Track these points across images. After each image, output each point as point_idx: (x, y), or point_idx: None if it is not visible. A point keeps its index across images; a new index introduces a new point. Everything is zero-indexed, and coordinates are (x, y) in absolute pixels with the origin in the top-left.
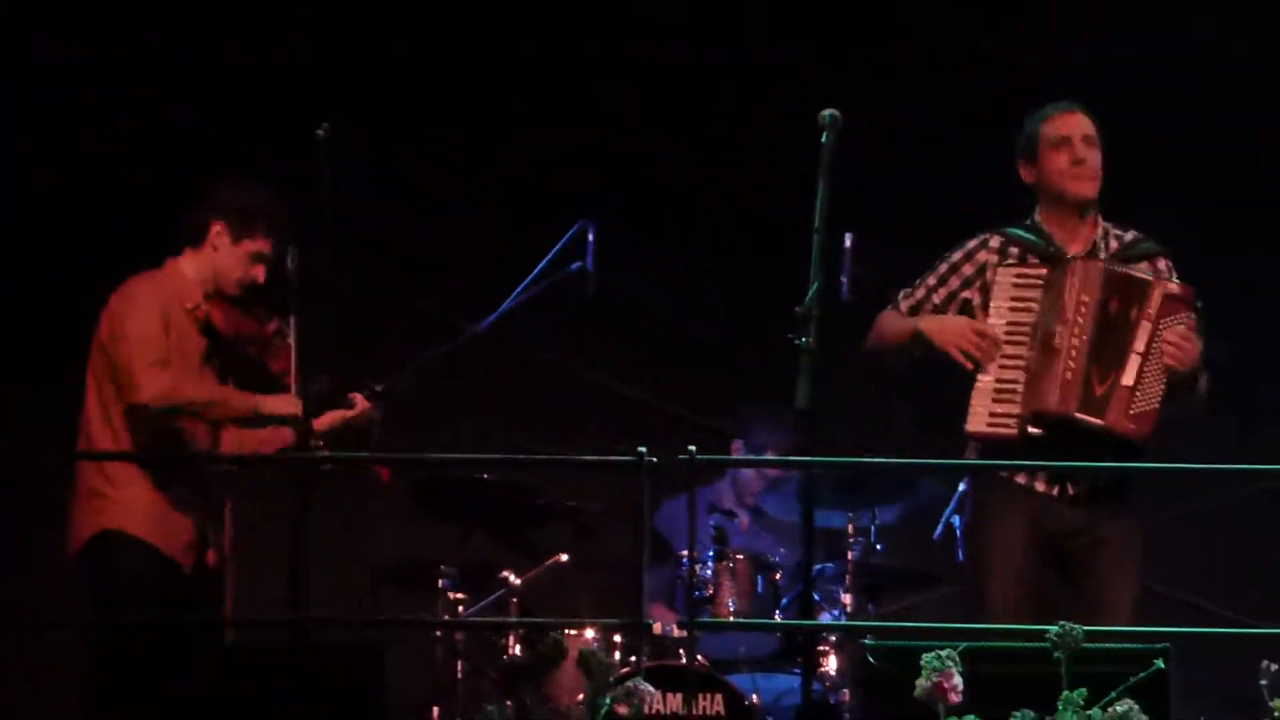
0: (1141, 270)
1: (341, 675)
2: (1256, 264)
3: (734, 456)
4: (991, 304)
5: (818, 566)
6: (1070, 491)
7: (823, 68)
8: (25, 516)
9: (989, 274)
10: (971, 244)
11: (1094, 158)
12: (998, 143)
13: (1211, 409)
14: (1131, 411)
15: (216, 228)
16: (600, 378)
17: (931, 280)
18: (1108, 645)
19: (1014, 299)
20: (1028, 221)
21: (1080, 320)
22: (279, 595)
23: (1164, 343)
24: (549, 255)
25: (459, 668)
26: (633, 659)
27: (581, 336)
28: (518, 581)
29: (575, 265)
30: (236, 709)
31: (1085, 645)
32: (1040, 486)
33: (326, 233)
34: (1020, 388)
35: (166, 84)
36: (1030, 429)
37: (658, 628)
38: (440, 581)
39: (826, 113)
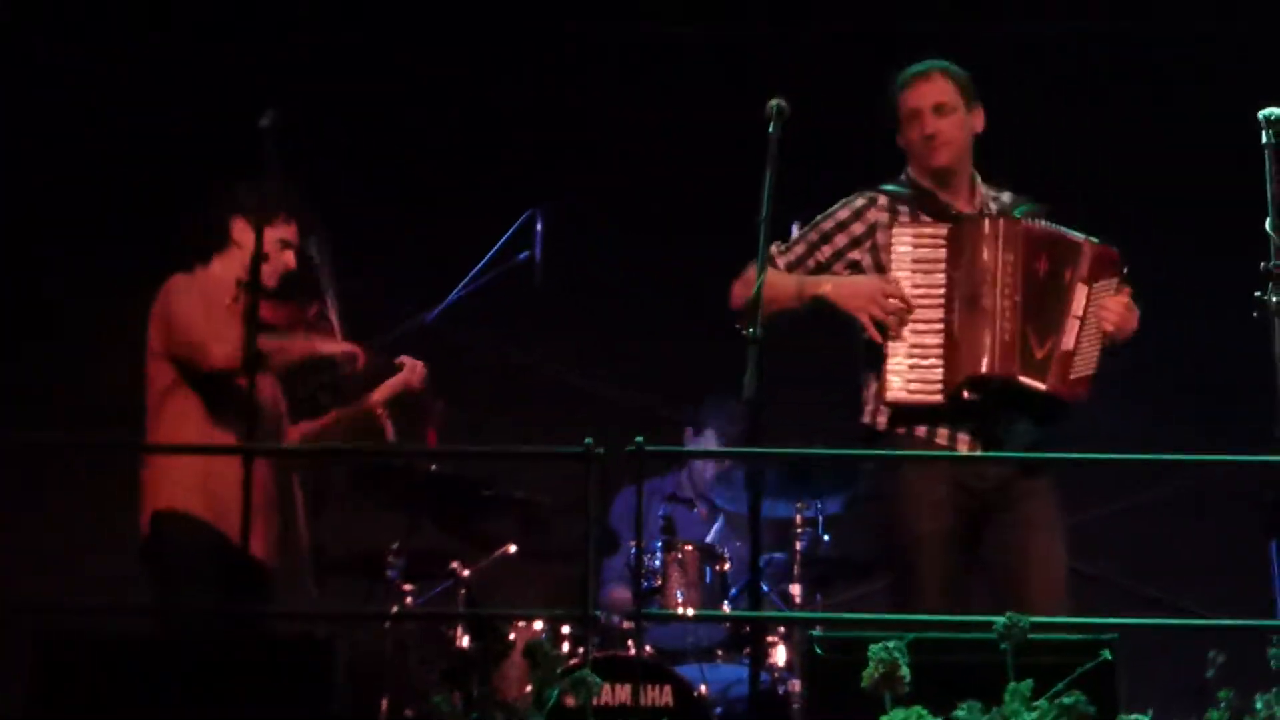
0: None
1: (291, 667)
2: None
3: (683, 447)
4: (892, 265)
5: (766, 557)
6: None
7: (771, 55)
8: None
9: (879, 235)
10: (859, 202)
11: (946, 126)
12: None
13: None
14: (1071, 376)
15: (239, 225)
16: (549, 367)
17: (814, 236)
18: (1055, 636)
19: (916, 260)
20: (903, 178)
21: (1009, 280)
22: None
23: (1101, 308)
24: (497, 245)
25: (407, 659)
26: (580, 650)
27: (529, 326)
28: (466, 572)
29: (524, 254)
30: (182, 701)
31: (1032, 636)
32: (963, 448)
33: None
34: (940, 351)
35: (163, 83)
36: (965, 393)
37: (604, 617)
38: (388, 572)
39: (774, 102)
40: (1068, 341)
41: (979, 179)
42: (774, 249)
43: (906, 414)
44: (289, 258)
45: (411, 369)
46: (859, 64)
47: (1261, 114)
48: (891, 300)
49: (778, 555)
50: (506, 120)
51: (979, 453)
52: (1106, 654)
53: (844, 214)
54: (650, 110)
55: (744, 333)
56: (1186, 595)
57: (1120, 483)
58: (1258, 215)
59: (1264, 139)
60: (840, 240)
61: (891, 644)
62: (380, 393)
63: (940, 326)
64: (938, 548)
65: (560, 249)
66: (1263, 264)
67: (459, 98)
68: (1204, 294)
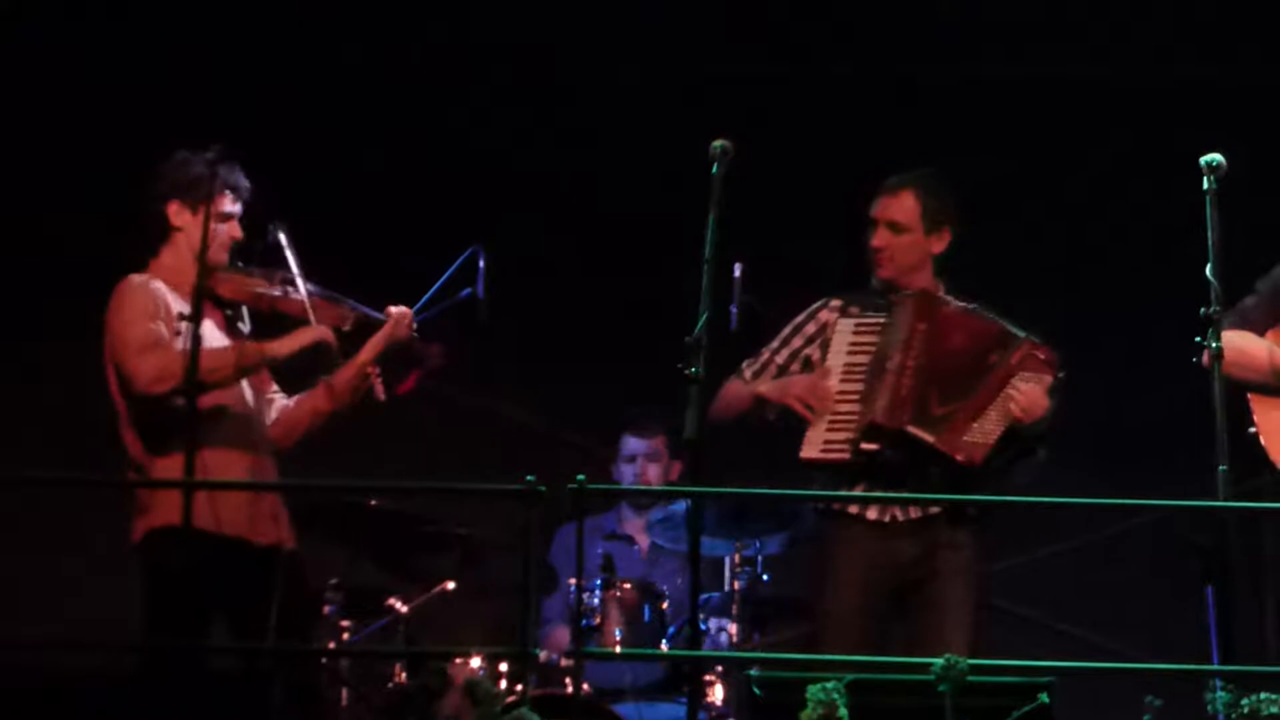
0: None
1: (225, 704)
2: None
3: (624, 486)
4: (830, 351)
5: (704, 596)
6: (900, 518)
7: (716, 95)
8: None
9: (829, 331)
10: (814, 305)
11: (895, 244)
12: (891, 171)
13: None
14: (965, 438)
15: (173, 208)
16: (491, 404)
17: (775, 343)
18: (992, 679)
19: (851, 344)
20: (871, 282)
21: (917, 345)
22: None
23: (1015, 390)
24: (439, 281)
25: (344, 695)
26: (518, 688)
27: (472, 363)
28: (404, 609)
29: (466, 291)
30: None
31: (970, 679)
32: (872, 515)
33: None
34: (854, 418)
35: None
36: (863, 445)
37: (544, 656)
38: (325, 608)
39: (718, 143)
40: (972, 409)
41: (943, 287)
42: (745, 364)
43: (821, 470)
44: (232, 228)
45: (397, 319)
46: (803, 104)
47: (1203, 160)
48: (819, 389)
49: (716, 594)
50: (450, 156)
51: (924, 494)
52: (1043, 697)
53: (800, 318)
54: (594, 150)
55: (686, 372)
56: (1123, 639)
57: (1058, 526)
58: (1199, 260)
59: (1205, 184)
60: (796, 342)
61: (830, 685)
62: (367, 350)
63: (858, 396)
64: (852, 622)
65: (503, 286)
66: (1203, 309)
67: (403, 133)
68: (1144, 339)
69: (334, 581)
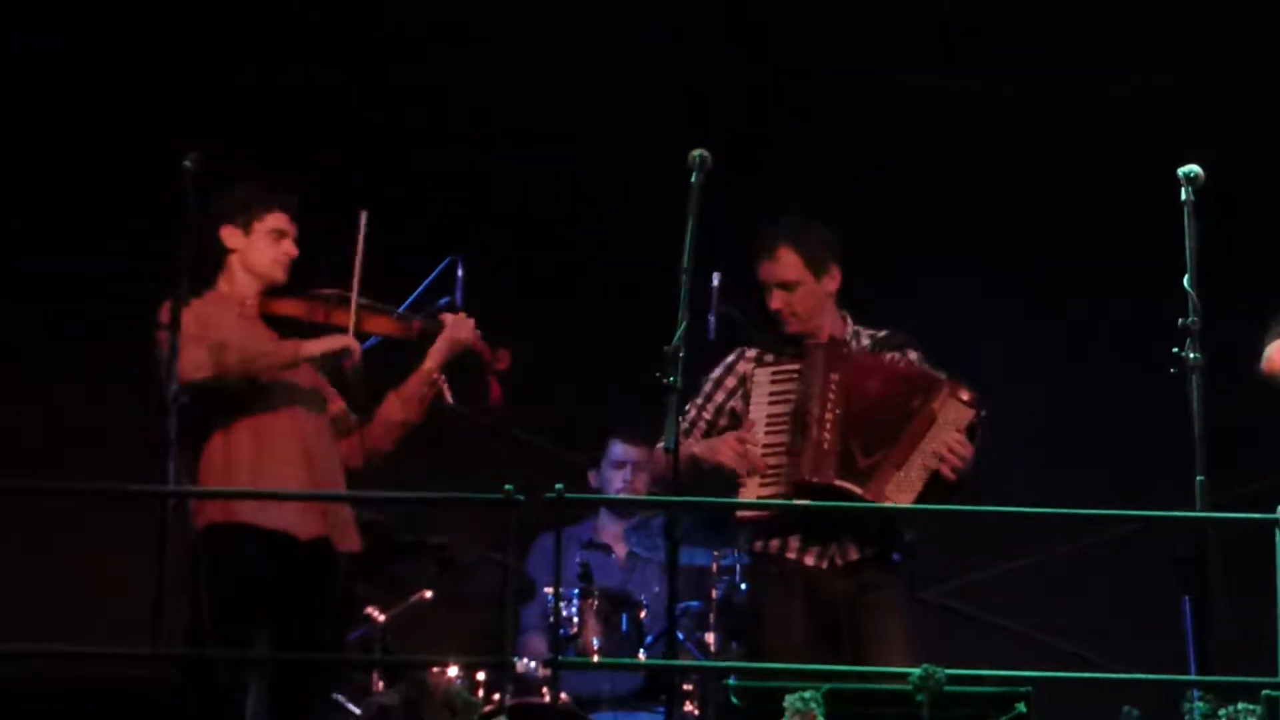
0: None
1: (202, 713)
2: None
3: (602, 495)
4: (751, 403)
5: (682, 605)
6: (839, 562)
7: (695, 105)
8: None
9: (749, 383)
10: (730, 358)
11: (793, 300)
12: (864, 181)
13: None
14: (889, 488)
15: (225, 231)
16: (469, 412)
17: (699, 400)
18: (970, 688)
19: (771, 394)
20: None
21: (833, 397)
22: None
23: (939, 442)
24: (418, 290)
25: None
26: (496, 697)
27: (450, 371)
28: (382, 618)
29: (444, 300)
30: None
31: (948, 688)
32: (810, 561)
33: (188, 264)
34: (783, 472)
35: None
36: (795, 501)
37: (521, 666)
38: None
39: (696, 153)
40: (897, 458)
41: (849, 319)
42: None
43: (764, 532)
44: (287, 246)
45: (455, 324)
46: (781, 113)
47: (1180, 171)
48: (745, 445)
49: (694, 604)
50: (428, 167)
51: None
52: (1021, 707)
53: (718, 372)
54: (573, 158)
55: (664, 381)
56: (1101, 649)
57: (1036, 536)
58: (1177, 271)
59: (1183, 196)
60: (718, 396)
61: (807, 694)
62: (431, 358)
63: (784, 449)
64: (801, 655)
65: (481, 295)
66: (1180, 320)
67: (383, 143)
68: (1122, 349)
69: None
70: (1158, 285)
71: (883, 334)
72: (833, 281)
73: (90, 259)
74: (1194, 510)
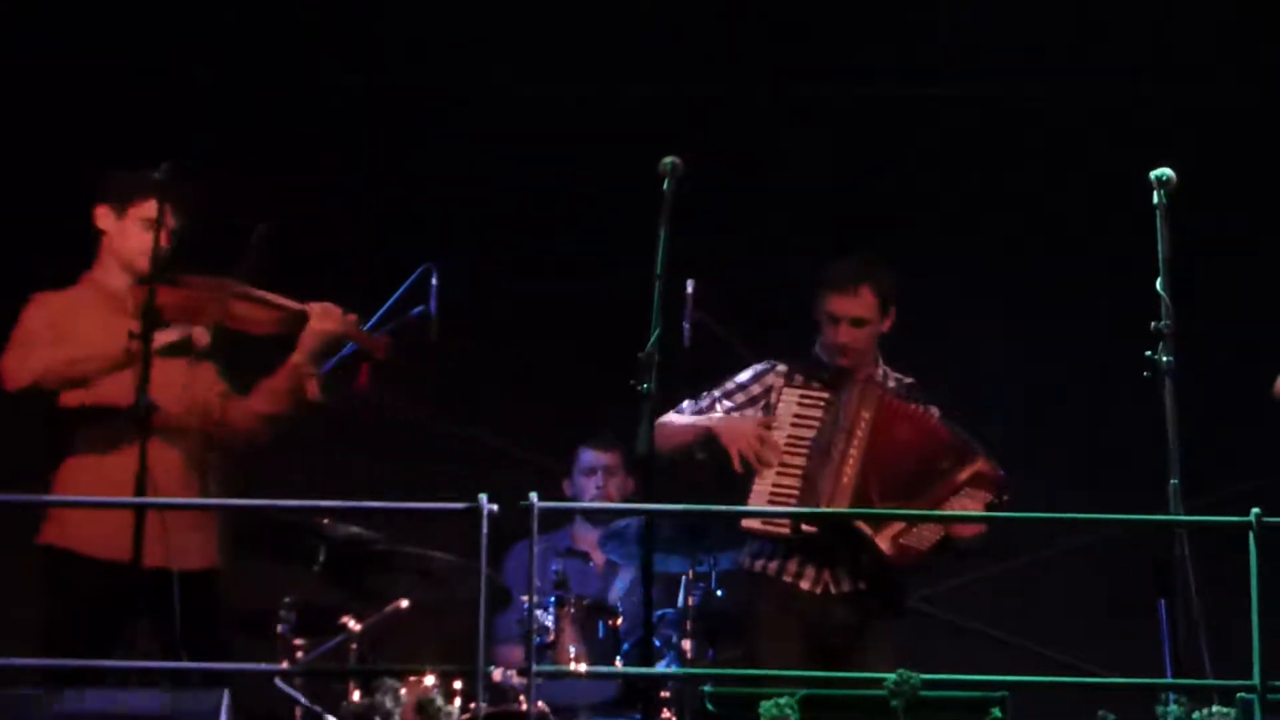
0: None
1: None
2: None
3: (577, 503)
4: (775, 421)
5: (658, 612)
6: (834, 590)
7: (667, 112)
8: None
9: (773, 396)
10: (760, 367)
11: (859, 338)
12: (838, 188)
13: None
14: (901, 540)
15: (100, 211)
16: (444, 421)
17: (718, 393)
18: (945, 694)
19: (797, 415)
20: (814, 351)
21: (860, 434)
22: None
23: (955, 507)
24: (392, 299)
25: (297, 714)
26: (472, 706)
27: (426, 380)
28: (357, 627)
29: (419, 309)
30: None
31: (923, 693)
32: (805, 585)
33: (161, 271)
34: (796, 492)
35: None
36: (803, 526)
37: (497, 675)
38: (278, 626)
39: (668, 160)
40: (909, 502)
41: (880, 359)
42: (686, 403)
43: (765, 552)
44: (162, 238)
45: (320, 314)
46: (752, 122)
47: (1153, 174)
48: (763, 442)
49: (670, 611)
50: (402, 173)
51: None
52: (997, 712)
53: (745, 377)
54: (545, 166)
55: (638, 388)
56: (1077, 653)
57: (1013, 541)
58: (1150, 274)
59: (1155, 199)
60: (739, 398)
61: (783, 701)
62: (299, 350)
63: (800, 472)
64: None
65: (456, 304)
66: (1153, 323)
67: (355, 149)
68: (1096, 354)
69: (287, 600)
70: (1132, 289)
71: (909, 381)
72: (888, 323)
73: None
74: (1169, 514)
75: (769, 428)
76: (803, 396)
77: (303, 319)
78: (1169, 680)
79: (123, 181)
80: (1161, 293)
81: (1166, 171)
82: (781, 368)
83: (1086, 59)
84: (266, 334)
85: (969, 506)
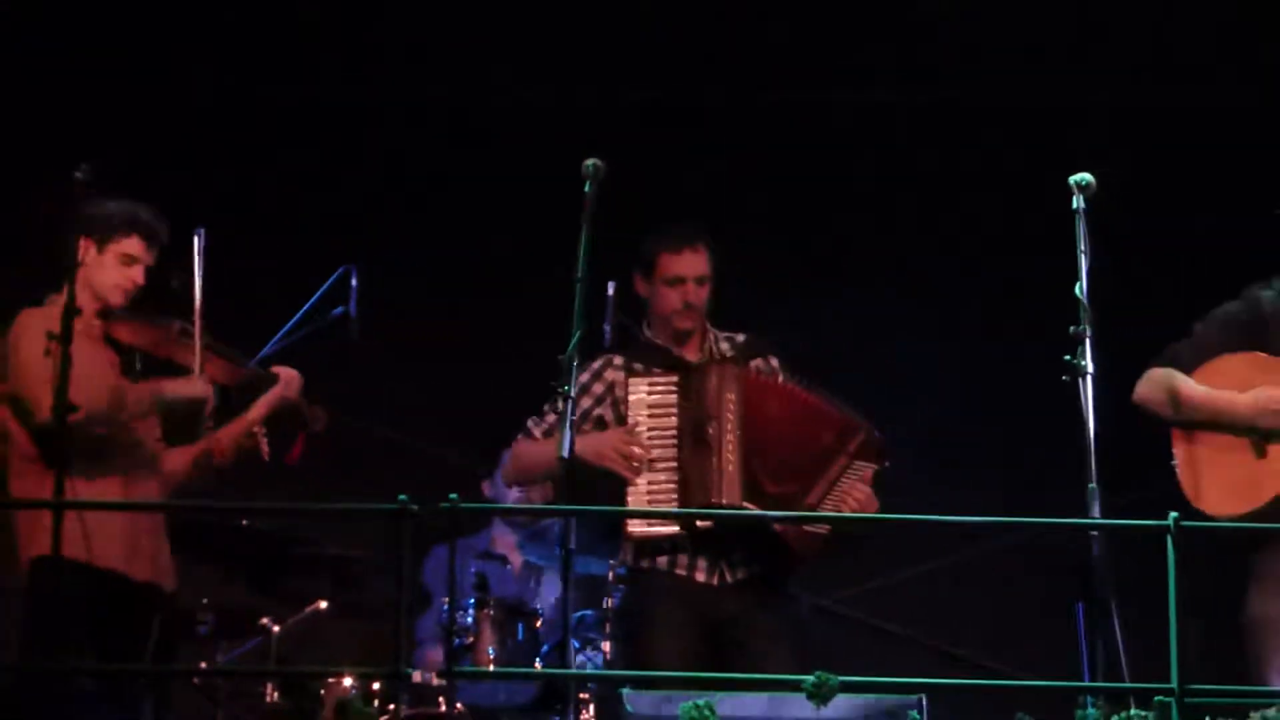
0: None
1: None
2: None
3: (498, 504)
4: (629, 416)
5: (578, 614)
6: (729, 579)
7: (588, 115)
8: None
9: (618, 390)
10: (596, 364)
11: (702, 295)
12: (756, 195)
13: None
14: (805, 527)
15: (83, 243)
16: (363, 422)
17: (561, 404)
18: (863, 695)
19: (651, 407)
20: (642, 338)
21: (729, 417)
22: None
23: (850, 487)
24: (311, 300)
25: (217, 716)
26: (391, 708)
27: (344, 381)
28: (276, 628)
29: (339, 310)
30: None
31: (841, 695)
32: (700, 577)
33: (74, 271)
34: (674, 486)
35: None
36: (699, 524)
37: (417, 676)
38: (198, 628)
39: (589, 162)
40: (811, 497)
41: (708, 324)
42: (530, 423)
43: (650, 548)
44: (135, 273)
45: (287, 382)
46: (673, 125)
47: (1073, 179)
48: (630, 446)
49: (589, 612)
50: (322, 174)
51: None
52: (914, 715)
53: (584, 378)
54: (467, 168)
55: (559, 390)
56: (995, 656)
57: (930, 543)
58: (1069, 279)
59: (1075, 204)
60: (585, 402)
61: (701, 703)
62: (257, 409)
63: (674, 464)
64: (680, 666)
65: (375, 304)
66: (1072, 328)
67: (274, 151)
68: (1015, 357)
69: (205, 601)
70: (1050, 293)
71: (741, 339)
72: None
73: None
74: (1086, 517)
75: (631, 433)
76: (650, 385)
77: (268, 380)
78: (1087, 683)
79: (105, 215)
80: (1080, 297)
81: (1086, 176)
82: (618, 360)
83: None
84: (222, 384)
85: (864, 490)
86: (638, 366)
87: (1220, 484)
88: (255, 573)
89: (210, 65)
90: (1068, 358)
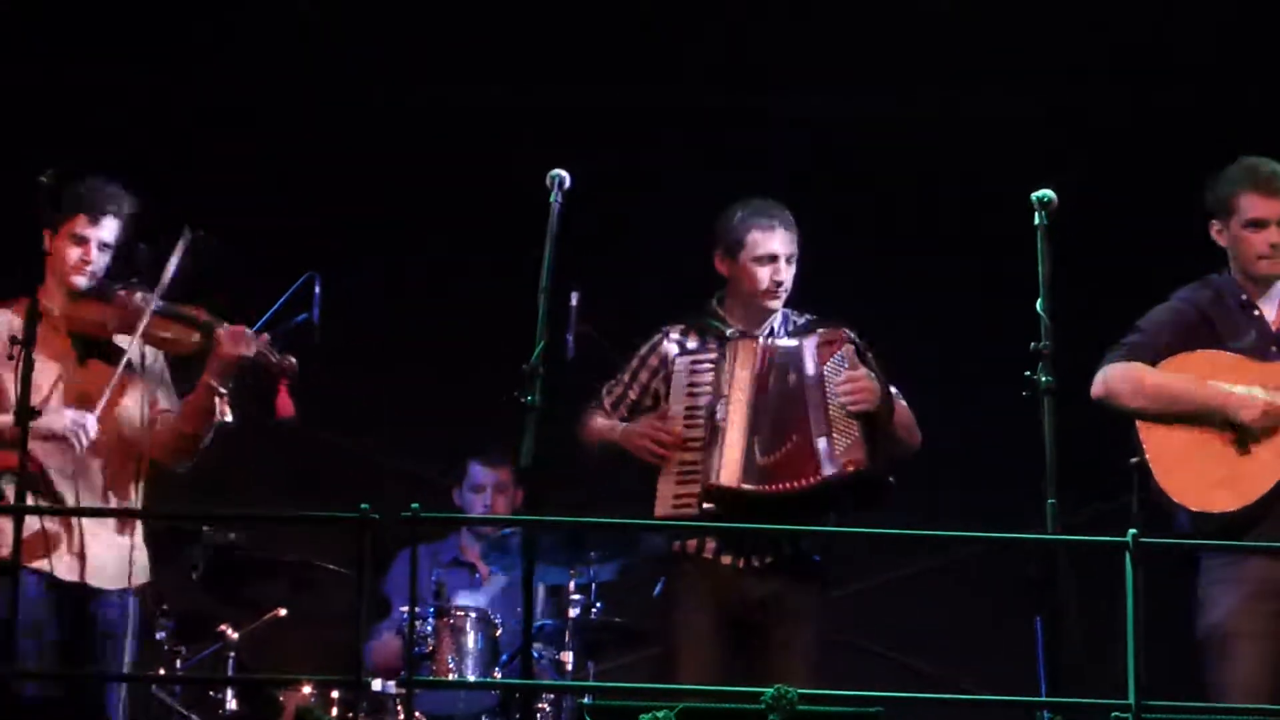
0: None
1: None
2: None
3: (459, 513)
4: (671, 395)
5: (538, 624)
6: (754, 564)
7: (554, 123)
8: None
9: (670, 365)
10: (656, 336)
11: (790, 275)
12: (722, 202)
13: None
14: (840, 456)
15: (46, 236)
16: (327, 431)
17: (626, 376)
18: (822, 708)
19: (689, 385)
20: (712, 304)
21: (740, 396)
22: None
23: (839, 389)
24: (275, 306)
25: None
26: (350, 715)
27: (307, 389)
28: (235, 635)
29: (302, 317)
30: None
31: (800, 708)
32: (726, 560)
33: (38, 278)
34: (698, 468)
35: None
36: (704, 504)
37: (376, 684)
38: (156, 634)
39: (554, 173)
40: (801, 438)
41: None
42: (604, 390)
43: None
44: (85, 251)
45: (228, 337)
46: (639, 135)
47: (1034, 195)
48: (662, 434)
49: (550, 622)
50: (286, 181)
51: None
52: None
53: (644, 350)
54: (432, 176)
55: (522, 401)
56: (953, 668)
57: (890, 556)
58: (1030, 295)
59: (1036, 220)
60: (644, 376)
61: (661, 714)
62: (208, 372)
63: (700, 444)
64: (705, 653)
65: (340, 312)
66: (1033, 344)
67: (239, 158)
68: (976, 373)
69: (165, 607)
70: (1012, 308)
71: (805, 319)
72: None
73: None
74: (1046, 532)
75: (664, 417)
76: (692, 363)
77: (212, 338)
78: (1044, 699)
79: (54, 200)
80: (1041, 313)
81: (1048, 193)
82: (674, 333)
83: (967, 76)
84: (187, 354)
85: (849, 377)
86: (690, 341)
87: (1204, 479)
88: (215, 579)
89: (165, 65)
90: (1028, 373)
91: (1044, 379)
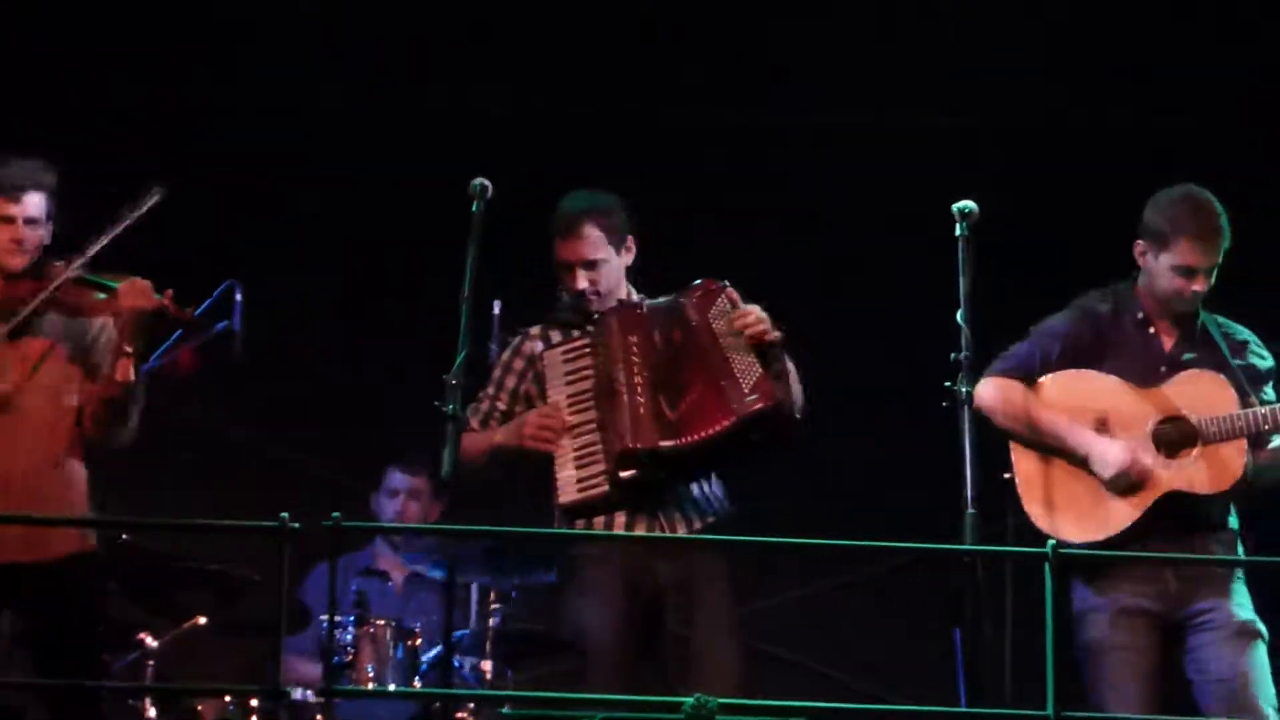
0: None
1: None
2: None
3: (380, 522)
4: (548, 388)
5: (458, 633)
6: (675, 531)
7: (483, 131)
8: None
9: (538, 364)
10: (515, 340)
11: (598, 279)
12: (643, 213)
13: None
14: (747, 400)
15: None
16: (245, 438)
17: (490, 388)
18: (743, 718)
19: (567, 374)
20: (559, 298)
21: (636, 359)
22: None
23: (737, 327)
24: (196, 312)
25: None
26: None
27: (226, 397)
28: (154, 644)
29: (222, 324)
30: None
31: (720, 718)
32: (641, 529)
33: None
34: (599, 447)
35: None
36: (622, 473)
37: (296, 694)
38: None
39: (477, 181)
40: (708, 384)
41: (632, 290)
42: (469, 412)
43: (585, 511)
44: (12, 231)
45: (124, 292)
46: (564, 140)
47: (955, 207)
48: (545, 419)
49: (468, 631)
50: (206, 187)
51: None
52: None
53: (505, 356)
54: (353, 183)
55: (443, 410)
56: (873, 680)
57: (810, 568)
58: (950, 306)
59: (957, 231)
60: (510, 381)
61: None
62: (122, 334)
63: (594, 424)
64: (610, 640)
65: (259, 320)
66: (953, 354)
67: (161, 162)
68: (896, 383)
69: None
70: (932, 319)
71: (663, 299)
72: (629, 255)
73: None
74: (964, 543)
75: (552, 408)
76: (565, 353)
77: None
78: (964, 710)
79: None
80: (961, 324)
81: (969, 204)
82: (534, 331)
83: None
84: (91, 313)
85: (733, 318)
86: (554, 335)
87: (1070, 509)
88: (134, 588)
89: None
90: (948, 384)
91: (964, 389)
